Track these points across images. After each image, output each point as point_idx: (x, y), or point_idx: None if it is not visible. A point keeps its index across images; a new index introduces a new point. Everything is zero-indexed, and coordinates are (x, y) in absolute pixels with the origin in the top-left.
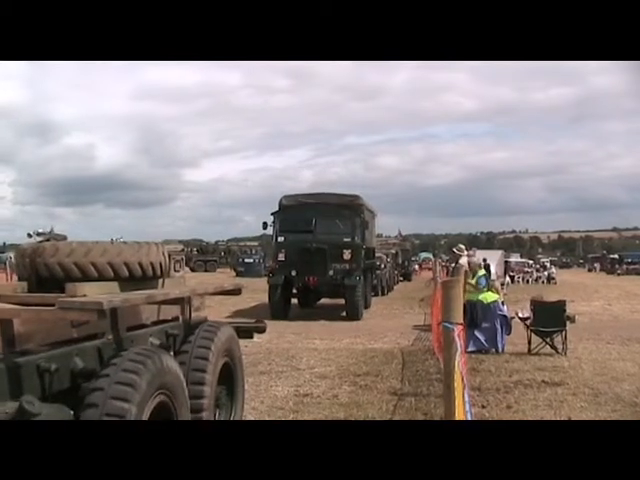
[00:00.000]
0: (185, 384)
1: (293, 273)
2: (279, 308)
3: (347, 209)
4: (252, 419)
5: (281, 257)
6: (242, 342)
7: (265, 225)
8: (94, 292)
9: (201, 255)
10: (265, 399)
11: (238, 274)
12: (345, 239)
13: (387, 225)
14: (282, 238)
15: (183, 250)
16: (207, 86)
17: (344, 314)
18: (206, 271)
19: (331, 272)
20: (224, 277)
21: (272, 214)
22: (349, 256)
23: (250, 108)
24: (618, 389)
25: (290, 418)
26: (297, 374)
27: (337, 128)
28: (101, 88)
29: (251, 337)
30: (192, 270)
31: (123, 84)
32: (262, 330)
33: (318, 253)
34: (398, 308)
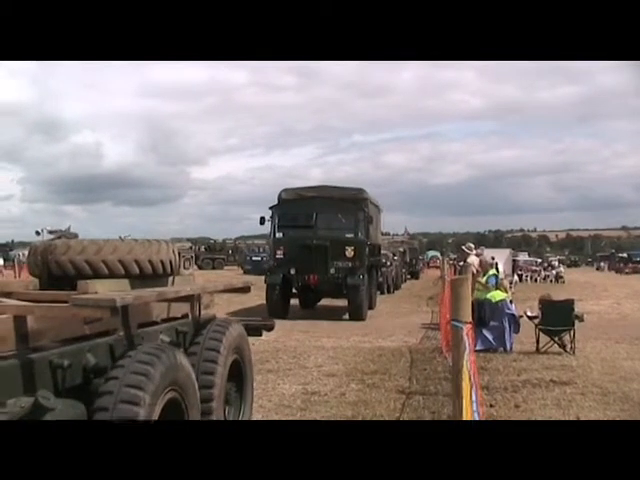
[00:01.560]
0: (196, 384)
1: (292, 271)
2: (277, 309)
3: (350, 203)
4: (259, 417)
5: (279, 254)
6: (249, 340)
7: (262, 220)
8: (105, 289)
9: (209, 253)
10: (273, 397)
11: (246, 272)
12: (348, 235)
13: (395, 223)
14: (280, 234)
15: (191, 248)
16: (214, 84)
17: (347, 316)
18: (214, 269)
19: (333, 270)
20: (232, 275)
21: (270, 208)
22: (352, 253)
23: (257, 106)
24: (627, 388)
25: (298, 416)
26: (305, 372)
27: (344, 126)
28: (109, 86)
29: (260, 335)
30: (200, 268)
31: (131, 82)
32: (270, 328)
33: (319, 250)
34: (406, 306)
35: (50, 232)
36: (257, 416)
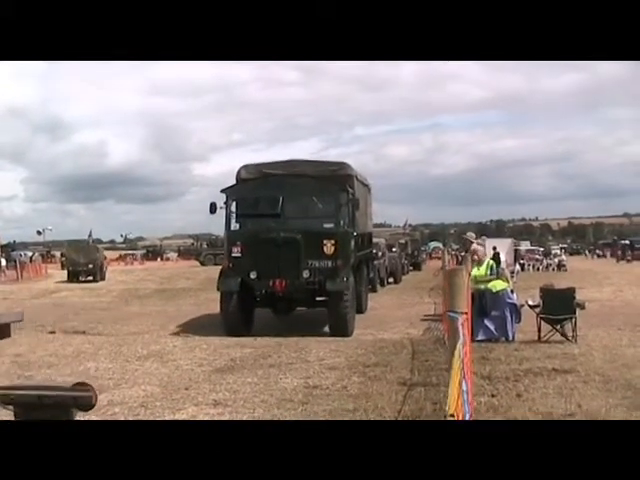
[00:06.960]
0: None
1: (253, 275)
2: (235, 323)
3: (329, 182)
4: (261, 412)
5: (236, 252)
6: (250, 338)
7: (214, 207)
8: None
9: (211, 249)
10: (274, 391)
11: None
12: (326, 225)
13: (397, 215)
14: (237, 225)
15: (193, 244)
16: (218, 80)
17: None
18: (216, 264)
19: (306, 273)
20: None
21: (222, 191)
22: (332, 249)
23: (260, 101)
24: (629, 376)
25: (299, 410)
26: (306, 366)
27: (346, 119)
28: (112, 84)
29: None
30: (202, 264)
31: (134, 79)
32: (87, 406)
33: (287, 246)
34: (407, 298)
35: None
36: (259, 411)
